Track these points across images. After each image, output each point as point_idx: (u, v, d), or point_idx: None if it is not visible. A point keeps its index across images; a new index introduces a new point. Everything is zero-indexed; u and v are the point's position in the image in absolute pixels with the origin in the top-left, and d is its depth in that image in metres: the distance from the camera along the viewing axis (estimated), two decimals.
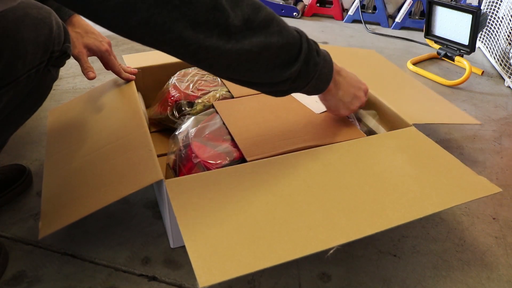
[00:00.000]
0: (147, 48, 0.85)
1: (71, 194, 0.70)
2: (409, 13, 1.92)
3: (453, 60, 1.49)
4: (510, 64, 1.40)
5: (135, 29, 0.48)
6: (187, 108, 0.89)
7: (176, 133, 0.80)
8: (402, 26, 1.94)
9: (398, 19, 1.93)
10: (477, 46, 1.46)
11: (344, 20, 2.03)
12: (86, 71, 0.86)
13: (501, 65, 1.46)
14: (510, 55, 1.41)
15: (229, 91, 0.90)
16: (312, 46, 0.62)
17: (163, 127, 0.96)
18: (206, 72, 0.97)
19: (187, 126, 0.80)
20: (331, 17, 2.08)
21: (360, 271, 0.72)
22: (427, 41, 1.63)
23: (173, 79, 0.95)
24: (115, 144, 0.77)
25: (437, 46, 1.55)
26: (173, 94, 0.91)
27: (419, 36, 1.83)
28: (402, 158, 0.71)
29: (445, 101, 0.96)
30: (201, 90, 0.91)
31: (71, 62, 1.29)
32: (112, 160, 0.72)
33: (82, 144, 0.80)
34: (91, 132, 0.83)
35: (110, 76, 0.96)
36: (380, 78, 1.01)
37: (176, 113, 0.90)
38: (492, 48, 1.56)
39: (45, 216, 0.67)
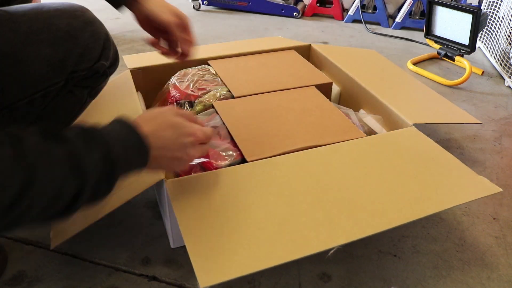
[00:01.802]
0: (148, 48, 0.85)
1: None
2: (409, 13, 1.92)
3: (453, 60, 1.49)
4: (510, 64, 1.40)
5: None
6: (187, 108, 0.89)
7: None
8: (402, 26, 1.93)
9: (398, 19, 1.93)
10: (477, 46, 1.46)
11: (344, 20, 2.03)
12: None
13: (501, 65, 1.46)
14: (510, 55, 1.41)
15: (229, 91, 0.90)
16: (100, 181, 0.45)
17: None
18: (206, 72, 0.97)
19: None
20: (331, 17, 2.08)
21: (360, 271, 0.72)
22: (427, 41, 1.63)
23: (173, 79, 0.95)
24: None
25: (437, 46, 1.55)
26: (173, 94, 0.91)
27: (419, 36, 1.82)
28: (402, 158, 0.71)
29: (445, 101, 0.96)
30: (202, 89, 0.91)
31: None
32: None
33: None
34: None
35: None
36: (381, 78, 1.01)
37: None
38: (492, 48, 1.56)
39: (55, 226, 0.67)
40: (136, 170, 0.51)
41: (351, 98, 1.01)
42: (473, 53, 1.40)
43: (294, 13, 2.04)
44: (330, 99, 0.93)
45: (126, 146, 0.48)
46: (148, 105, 1.02)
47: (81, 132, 0.44)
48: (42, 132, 0.42)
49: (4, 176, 0.37)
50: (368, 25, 1.95)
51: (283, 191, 0.62)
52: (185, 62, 0.75)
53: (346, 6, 2.10)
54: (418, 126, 0.79)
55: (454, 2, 1.42)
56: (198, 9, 2.13)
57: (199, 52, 0.93)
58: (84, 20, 0.64)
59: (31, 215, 0.40)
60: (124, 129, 0.49)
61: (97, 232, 0.78)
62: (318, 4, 2.08)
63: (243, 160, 0.70)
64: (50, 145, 0.41)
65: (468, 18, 1.32)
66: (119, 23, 1.85)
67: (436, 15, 1.46)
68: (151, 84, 1.01)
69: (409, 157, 0.71)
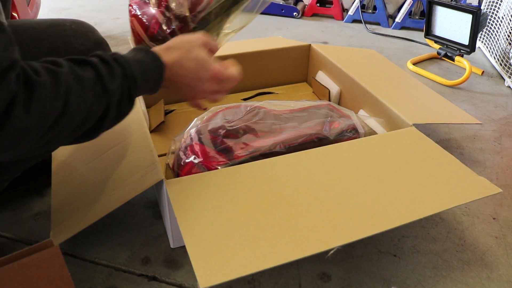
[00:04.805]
0: None
1: (78, 203, 0.70)
2: (409, 13, 1.92)
3: (453, 60, 1.49)
4: (510, 64, 1.40)
5: None
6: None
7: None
8: (402, 26, 1.94)
9: (398, 19, 1.93)
10: (477, 46, 1.46)
11: (344, 20, 2.03)
12: None
13: (501, 65, 1.46)
14: (510, 55, 1.41)
15: None
16: (123, 96, 0.52)
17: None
18: None
19: (188, 127, 0.80)
20: (331, 17, 2.08)
21: (360, 271, 0.72)
22: (427, 41, 1.63)
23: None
24: (117, 148, 0.77)
25: (437, 46, 1.55)
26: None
27: (419, 36, 1.82)
28: (402, 158, 0.71)
29: (445, 101, 0.96)
30: None
31: None
32: (116, 164, 0.73)
33: (86, 151, 0.80)
34: None
35: None
36: (381, 78, 1.01)
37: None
38: (492, 48, 1.56)
39: (55, 226, 0.68)
40: (153, 88, 0.58)
41: (351, 98, 1.01)
42: (473, 53, 1.40)
43: (294, 13, 2.04)
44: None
45: (142, 65, 0.54)
46: (148, 104, 1.02)
47: (101, 57, 0.51)
48: (71, 59, 0.49)
49: (47, 102, 0.43)
50: (368, 25, 1.95)
51: (283, 191, 0.62)
52: None
53: (346, 6, 2.10)
54: (418, 126, 0.79)
55: (454, 2, 1.42)
56: None
57: None
58: (94, 41, 0.68)
59: (64, 135, 0.47)
60: (139, 52, 0.56)
61: (97, 232, 0.78)
62: (318, 4, 2.08)
63: (243, 160, 0.70)
64: (81, 71, 0.48)
65: (468, 18, 1.32)
66: (119, 23, 1.85)
67: (436, 15, 1.46)
68: None
69: (409, 157, 0.71)
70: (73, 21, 0.72)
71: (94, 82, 0.49)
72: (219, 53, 1.06)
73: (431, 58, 1.58)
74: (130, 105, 0.54)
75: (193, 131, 0.77)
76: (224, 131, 0.77)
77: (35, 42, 0.64)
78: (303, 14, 2.09)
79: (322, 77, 1.12)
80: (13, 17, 1.16)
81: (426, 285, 0.70)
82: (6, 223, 0.80)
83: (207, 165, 0.70)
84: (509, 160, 1.02)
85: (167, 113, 1.04)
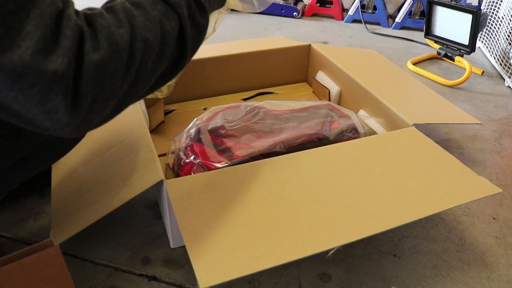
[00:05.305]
0: None
1: (78, 203, 0.70)
2: (409, 13, 1.92)
3: (453, 60, 1.49)
4: (510, 64, 1.40)
5: None
6: None
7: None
8: (402, 26, 1.93)
9: (398, 19, 1.93)
10: (477, 46, 1.46)
11: (344, 20, 2.03)
12: None
13: (501, 65, 1.46)
14: (510, 55, 1.41)
15: None
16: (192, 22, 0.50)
17: None
18: None
19: (188, 127, 0.80)
20: (331, 17, 2.08)
21: (360, 271, 0.72)
22: (427, 41, 1.63)
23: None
24: (117, 148, 0.77)
25: (437, 46, 1.55)
26: None
27: (419, 36, 1.82)
28: (402, 158, 0.71)
29: (445, 101, 0.96)
30: None
31: None
32: (116, 164, 0.73)
33: (86, 151, 0.80)
34: (93, 137, 0.83)
35: None
36: (381, 78, 1.01)
37: None
38: (492, 48, 1.56)
39: (55, 226, 0.68)
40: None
41: (351, 98, 1.01)
42: (473, 53, 1.40)
43: (294, 13, 2.04)
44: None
45: None
46: (147, 104, 1.02)
47: None
48: None
49: (111, 30, 0.41)
50: (368, 25, 1.95)
51: (283, 191, 0.62)
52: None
53: (346, 6, 2.10)
54: (418, 126, 0.79)
55: (454, 2, 1.42)
56: None
57: (198, 53, 0.93)
58: None
59: (148, 66, 0.44)
60: None
61: (97, 232, 0.78)
62: (318, 4, 2.08)
63: (243, 161, 0.70)
64: None
65: (468, 18, 1.32)
66: None
67: (436, 15, 1.46)
68: None
69: (409, 157, 0.71)
70: None
71: (152, 2, 0.46)
72: (220, 53, 1.07)
73: (431, 58, 1.58)
74: (204, 15, 0.51)
75: (193, 131, 0.77)
76: (224, 131, 0.77)
77: None
78: (303, 14, 2.09)
79: (322, 77, 1.12)
80: None
81: (426, 285, 0.70)
82: (6, 223, 0.80)
83: (207, 165, 0.70)
84: (509, 160, 1.02)
85: (167, 113, 1.04)
